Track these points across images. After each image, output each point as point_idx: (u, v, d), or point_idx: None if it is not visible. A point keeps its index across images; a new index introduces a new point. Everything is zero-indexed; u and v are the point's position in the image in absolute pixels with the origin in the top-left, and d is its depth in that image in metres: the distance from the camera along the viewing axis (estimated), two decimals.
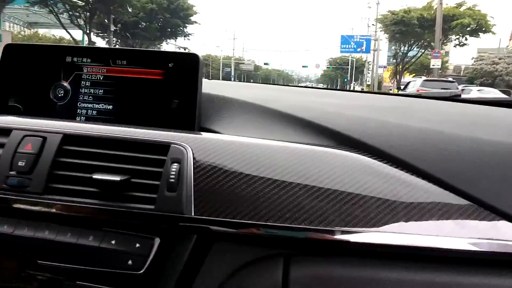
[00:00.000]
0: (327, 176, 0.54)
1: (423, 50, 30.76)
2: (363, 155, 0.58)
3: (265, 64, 63.59)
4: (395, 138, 0.60)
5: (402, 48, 31.85)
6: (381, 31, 31.45)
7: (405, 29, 27.69)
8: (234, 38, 55.86)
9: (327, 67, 64.31)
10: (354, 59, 48.96)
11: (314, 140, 0.64)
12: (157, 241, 0.55)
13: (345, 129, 0.63)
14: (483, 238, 0.48)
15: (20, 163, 0.59)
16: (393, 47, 34.67)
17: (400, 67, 32.03)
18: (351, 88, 42.62)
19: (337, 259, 0.52)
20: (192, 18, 31.82)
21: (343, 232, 0.50)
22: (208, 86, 0.77)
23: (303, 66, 58.71)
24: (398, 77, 31.61)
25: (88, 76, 0.75)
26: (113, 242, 0.55)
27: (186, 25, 31.76)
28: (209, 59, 56.22)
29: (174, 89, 0.72)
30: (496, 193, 0.51)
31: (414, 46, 30.69)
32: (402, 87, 20.89)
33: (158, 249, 0.55)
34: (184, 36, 32.39)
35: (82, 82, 0.75)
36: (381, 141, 0.60)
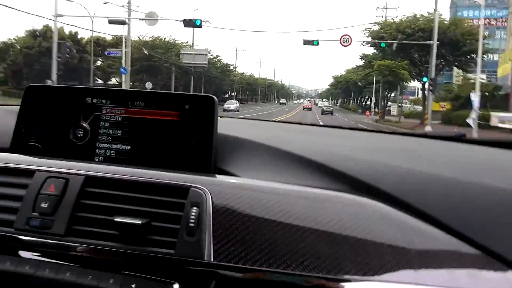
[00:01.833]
0: (343, 224, 0.55)
1: None
2: (375, 200, 0.60)
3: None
4: (405, 183, 0.62)
5: None
6: None
7: None
8: None
9: (371, 45, 26.23)
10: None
11: (327, 183, 0.65)
12: (176, 286, 0.55)
13: (357, 173, 0.65)
14: None
15: (43, 205, 0.61)
16: None
17: None
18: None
19: None
20: None
21: (358, 281, 0.51)
22: (221, 126, 0.77)
23: (306, 43, 22.64)
24: None
25: (107, 117, 0.76)
26: (133, 286, 0.55)
27: None
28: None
29: (191, 130, 0.73)
30: (504, 241, 0.52)
31: None
32: None
33: None
34: None
35: (101, 123, 0.76)
36: (392, 186, 0.61)
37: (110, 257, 0.58)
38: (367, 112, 36.76)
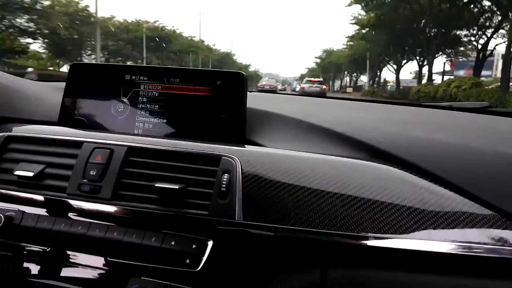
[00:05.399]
0: (362, 187, 0.60)
1: None
2: (395, 167, 0.64)
3: None
4: (423, 152, 0.66)
5: None
6: None
7: None
8: None
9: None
10: None
11: (349, 152, 0.70)
12: (210, 243, 0.62)
13: (378, 143, 0.68)
14: (506, 246, 0.54)
15: (91, 172, 0.68)
16: None
17: None
18: None
19: (371, 263, 0.58)
20: None
21: (377, 238, 0.56)
22: (251, 100, 0.82)
23: None
24: None
25: (145, 93, 0.82)
26: (172, 243, 0.62)
27: None
28: None
29: (222, 105, 0.78)
30: None
31: None
32: None
33: (212, 250, 0.61)
34: None
35: (140, 98, 0.82)
36: (410, 154, 0.65)
37: (152, 218, 0.64)
38: None
